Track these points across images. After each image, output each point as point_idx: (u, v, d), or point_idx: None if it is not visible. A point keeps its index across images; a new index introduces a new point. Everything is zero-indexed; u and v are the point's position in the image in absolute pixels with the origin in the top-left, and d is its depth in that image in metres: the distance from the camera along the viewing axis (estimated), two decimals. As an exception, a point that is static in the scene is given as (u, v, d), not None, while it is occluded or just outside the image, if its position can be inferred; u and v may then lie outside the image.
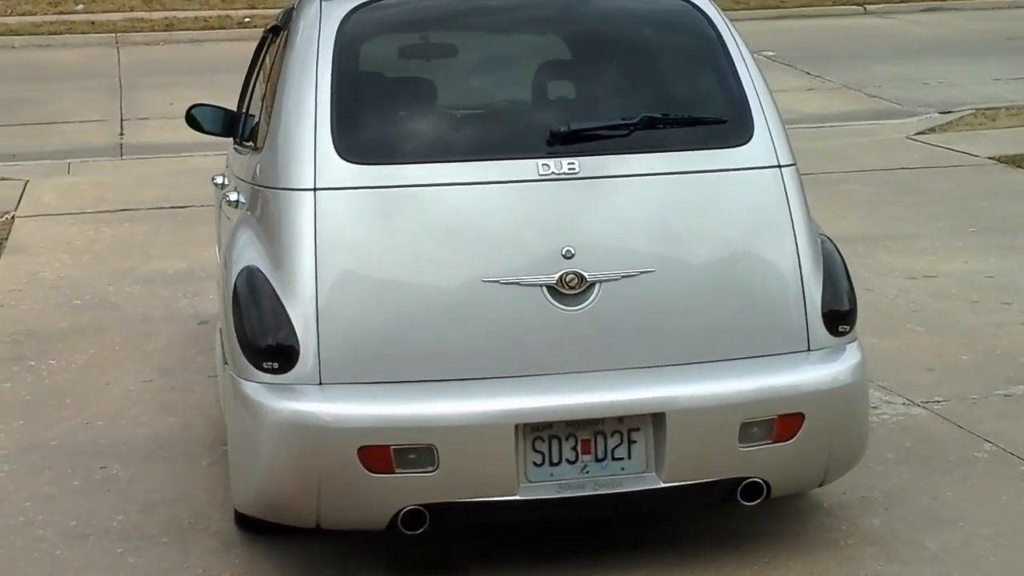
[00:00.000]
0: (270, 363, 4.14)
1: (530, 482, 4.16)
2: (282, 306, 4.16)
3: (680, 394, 4.20)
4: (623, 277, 4.24)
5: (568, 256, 4.21)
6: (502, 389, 4.13)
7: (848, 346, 4.48)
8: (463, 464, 4.08)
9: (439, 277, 4.18)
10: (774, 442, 4.27)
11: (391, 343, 4.14)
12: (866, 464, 5.26)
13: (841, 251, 4.67)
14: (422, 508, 4.10)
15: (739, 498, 4.30)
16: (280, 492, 4.18)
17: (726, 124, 4.52)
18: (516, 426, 4.09)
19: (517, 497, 4.13)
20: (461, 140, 4.44)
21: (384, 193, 4.24)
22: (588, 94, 4.71)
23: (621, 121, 4.41)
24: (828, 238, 4.65)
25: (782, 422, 4.26)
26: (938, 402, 6.05)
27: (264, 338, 4.16)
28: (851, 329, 4.49)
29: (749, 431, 4.23)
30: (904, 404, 6.03)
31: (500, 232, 4.24)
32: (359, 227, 4.21)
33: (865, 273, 8.10)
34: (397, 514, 4.10)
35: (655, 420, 4.19)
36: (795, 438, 4.28)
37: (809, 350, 4.39)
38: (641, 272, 4.26)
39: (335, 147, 4.25)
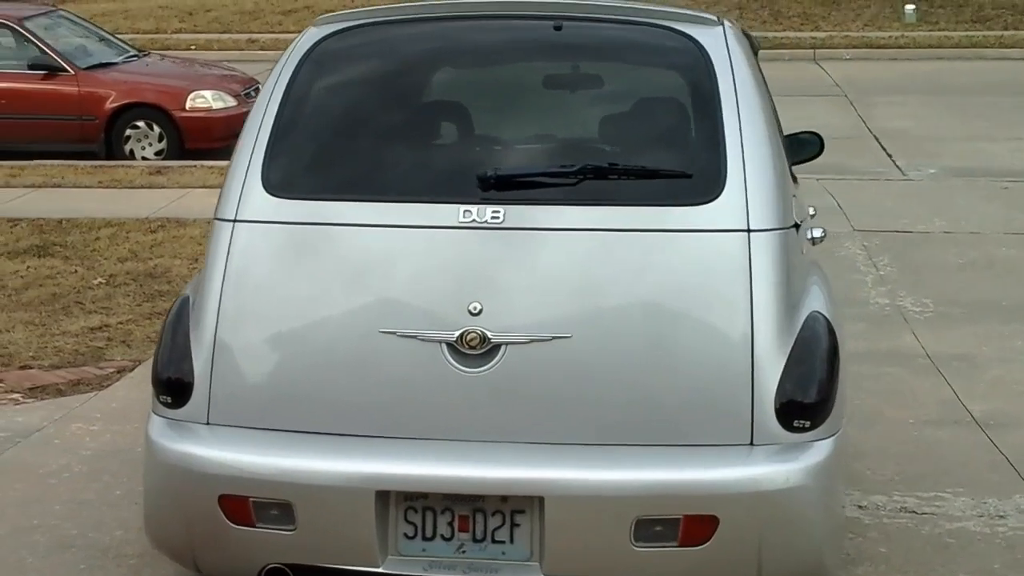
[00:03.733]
0: (165, 397, 4.02)
1: (400, 555, 3.82)
2: (188, 340, 4.02)
3: (560, 478, 3.73)
4: (532, 341, 3.82)
5: (475, 313, 3.83)
6: (373, 450, 3.82)
7: (815, 444, 3.84)
8: (321, 526, 3.80)
9: (337, 324, 3.92)
10: (680, 546, 3.72)
11: (281, 388, 3.92)
12: (917, 580, 4.56)
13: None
14: (285, 568, 3.86)
15: None
16: (159, 528, 4.06)
17: (691, 179, 3.99)
18: (378, 492, 3.76)
19: (380, 570, 3.80)
20: (388, 179, 4.13)
21: (299, 230, 4.03)
22: (540, 136, 4.29)
23: (559, 169, 3.98)
24: (823, 317, 4.01)
25: (690, 524, 3.71)
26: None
27: (165, 370, 4.04)
28: (813, 425, 3.84)
29: (649, 530, 3.71)
30: (1042, 517, 5.17)
31: (406, 281, 3.92)
32: (269, 263, 4.02)
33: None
34: (262, 570, 3.87)
35: (541, 504, 3.74)
36: (707, 545, 3.72)
37: (752, 444, 3.80)
38: (554, 337, 3.82)
39: (262, 178, 4.08)
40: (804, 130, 6.05)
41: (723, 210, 3.91)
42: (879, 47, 21.41)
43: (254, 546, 3.86)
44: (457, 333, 3.82)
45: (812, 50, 21.07)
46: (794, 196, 4.20)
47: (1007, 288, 8.78)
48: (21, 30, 14.06)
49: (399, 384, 3.86)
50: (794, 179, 5.11)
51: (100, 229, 10.45)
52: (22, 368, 7.14)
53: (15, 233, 10.40)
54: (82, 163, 13.13)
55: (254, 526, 3.83)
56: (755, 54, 4.99)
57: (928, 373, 7.12)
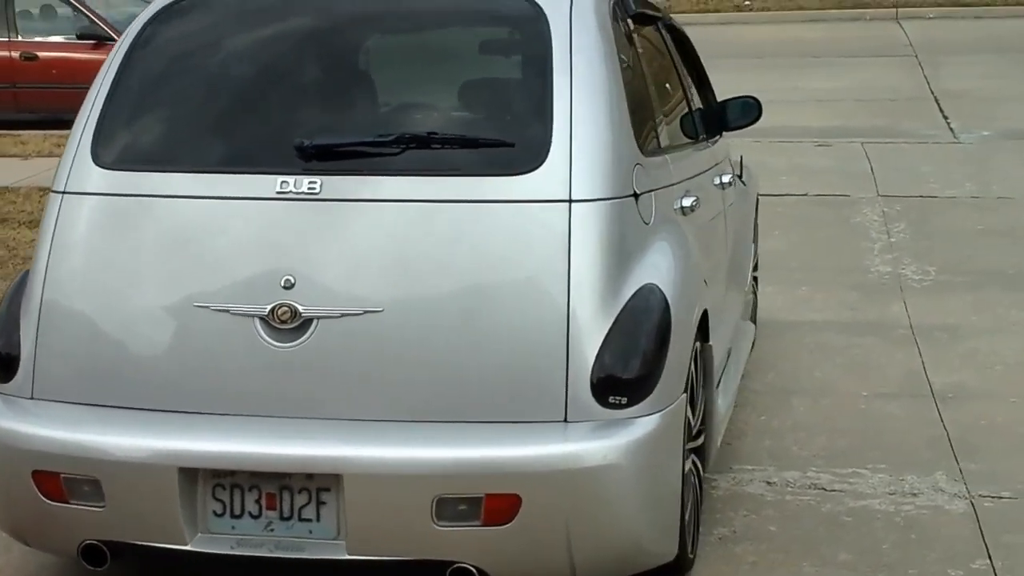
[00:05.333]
0: (-6, 371, 4.01)
1: (211, 533, 3.76)
2: (17, 313, 4.01)
3: (358, 456, 3.64)
4: (343, 315, 3.73)
5: (287, 286, 3.76)
6: (180, 427, 3.76)
7: (636, 421, 3.71)
8: (128, 504, 3.76)
9: (154, 298, 3.87)
10: (484, 525, 3.62)
11: (100, 363, 3.89)
12: (797, 564, 4.40)
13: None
14: (100, 544, 3.82)
15: None
16: None
17: (514, 148, 3.86)
18: (181, 469, 3.71)
19: (188, 548, 3.75)
20: (210, 150, 4.06)
21: (122, 202, 3.98)
22: (368, 106, 4.18)
23: (376, 139, 3.88)
24: (659, 290, 3.85)
25: (492, 503, 3.61)
26: (1002, 499, 4.91)
27: None
28: (632, 401, 3.70)
29: (452, 508, 3.61)
30: (955, 495, 4.96)
31: (222, 253, 3.86)
32: (92, 236, 3.98)
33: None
34: (79, 546, 3.85)
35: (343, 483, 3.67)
36: (511, 524, 3.61)
37: (567, 421, 3.68)
38: (365, 311, 3.73)
39: (91, 149, 4.06)
40: (743, 95, 5.86)
41: (544, 180, 3.77)
42: (965, 5, 20.81)
43: (68, 522, 3.84)
44: (269, 307, 3.75)
45: (894, 9, 20.56)
46: (639, 164, 4.02)
47: (1019, 256, 8.47)
48: (74, 0, 14.25)
49: (212, 359, 3.80)
50: (694, 138, 4.99)
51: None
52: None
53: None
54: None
55: (67, 502, 3.80)
56: (641, 19, 4.82)
57: (904, 344, 6.90)
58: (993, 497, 4.93)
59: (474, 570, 3.65)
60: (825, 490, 5.03)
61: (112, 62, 4.20)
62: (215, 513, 3.75)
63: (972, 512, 4.81)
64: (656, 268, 3.94)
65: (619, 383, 3.68)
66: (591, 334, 3.69)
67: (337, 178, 3.84)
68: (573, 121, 3.82)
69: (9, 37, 14.16)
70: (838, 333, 7.10)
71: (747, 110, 5.76)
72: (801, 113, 13.69)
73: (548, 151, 3.79)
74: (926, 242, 8.89)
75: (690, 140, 5.17)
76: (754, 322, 6.75)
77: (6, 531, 4.10)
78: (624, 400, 3.68)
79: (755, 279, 6.94)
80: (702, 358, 4.38)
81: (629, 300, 3.78)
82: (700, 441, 4.43)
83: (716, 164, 5.46)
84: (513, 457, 3.61)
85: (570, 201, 3.75)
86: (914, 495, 4.97)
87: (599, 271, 3.73)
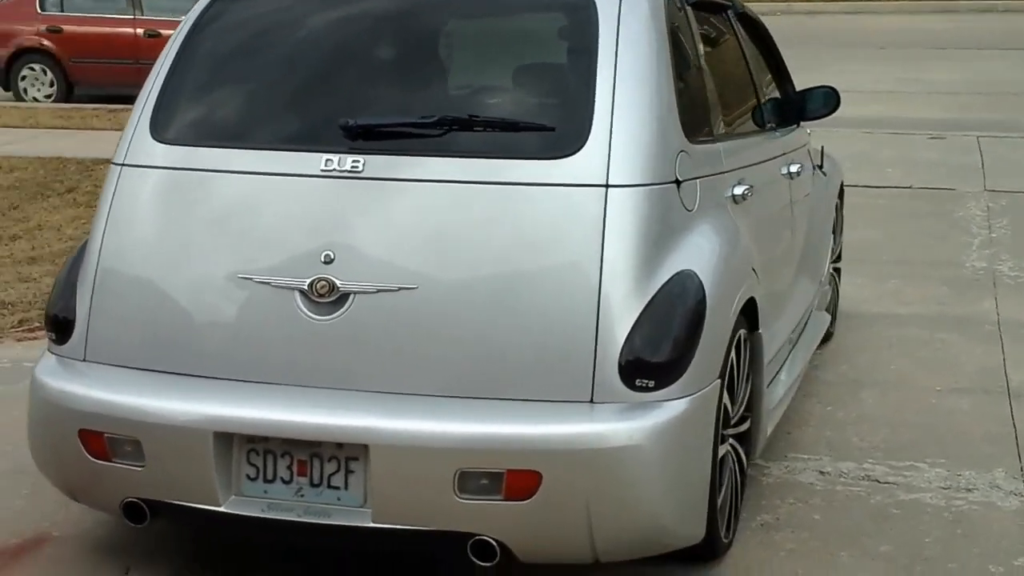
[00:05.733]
0: (51, 333, 4.17)
1: (244, 496, 3.87)
2: (76, 279, 4.17)
3: (384, 427, 3.72)
4: (379, 291, 3.82)
5: (327, 261, 3.85)
6: (218, 392, 3.87)
7: (663, 404, 3.73)
8: (166, 464, 3.88)
9: (202, 268, 3.99)
10: (505, 499, 3.67)
11: (149, 329, 4.02)
12: (835, 553, 4.39)
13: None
14: (140, 502, 3.96)
15: (471, 555, 3.75)
16: (40, 459, 4.22)
17: (554, 132, 3.90)
18: (216, 433, 3.82)
19: (221, 509, 3.86)
20: (260, 127, 4.17)
21: (176, 175, 4.11)
22: (412, 87, 4.22)
23: (419, 120, 3.95)
24: (696, 276, 3.87)
25: (513, 479, 3.66)
26: (1067, 496, 4.85)
27: (53, 307, 4.20)
28: (660, 385, 3.72)
29: (474, 482, 3.67)
30: (1010, 492, 4.91)
31: (266, 227, 3.96)
32: (147, 207, 4.11)
33: None
34: (121, 503, 3.99)
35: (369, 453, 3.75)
36: (532, 499, 3.66)
37: (593, 402, 3.72)
38: (401, 288, 3.81)
39: (150, 124, 4.19)
40: (822, 85, 5.86)
41: (582, 165, 3.81)
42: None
43: (111, 479, 3.97)
44: (308, 281, 3.84)
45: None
46: (683, 152, 4.03)
47: (1122, 255, 8.29)
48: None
49: (253, 329, 3.91)
50: (760, 127, 4.99)
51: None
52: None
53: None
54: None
55: (111, 461, 3.94)
56: (704, 7, 4.81)
57: (988, 340, 6.80)
58: (1056, 495, 4.86)
59: (494, 543, 3.71)
60: (878, 482, 4.99)
61: (173, 42, 4.33)
62: (248, 477, 3.86)
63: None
64: (696, 254, 3.95)
65: (647, 366, 3.71)
66: (622, 317, 3.72)
67: (380, 157, 3.91)
68: (615, 107, 3.85)
69: (134, 15, 14.54)
70: (922, 327, 7.01)
71: (827, 100, 5.75)
72: (917, 105, 13.50)
73: (588, 136, 3.82)
74: (1027, 239, 8.73)
75: (756, 128, 5.15)
76: (832, 313, 6.70)
77: (57, 486, 4.25)
78: (652, 383, 3.71)
79: (836, 271, 6.89)
80: (748, 346, 4.38)
81: (664, 285, 3.79)
82: (743, 428, 4.43)
83: (784, 153, 5.43)
84: (534, 435, 3.65)
85: (607, 186, 3.78)
86: (968, 490, 4.92)
87: (633, 255, 3.76)
